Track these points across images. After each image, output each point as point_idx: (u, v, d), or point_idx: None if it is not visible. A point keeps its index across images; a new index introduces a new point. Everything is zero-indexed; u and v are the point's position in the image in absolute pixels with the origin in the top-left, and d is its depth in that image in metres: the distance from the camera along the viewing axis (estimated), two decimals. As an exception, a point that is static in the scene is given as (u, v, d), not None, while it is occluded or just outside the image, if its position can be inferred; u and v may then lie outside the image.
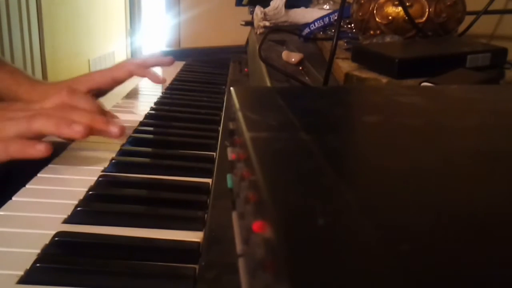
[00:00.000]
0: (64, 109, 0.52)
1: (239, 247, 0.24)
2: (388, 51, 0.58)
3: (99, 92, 0.76)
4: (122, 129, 0.53)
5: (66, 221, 0.42)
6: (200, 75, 1.13)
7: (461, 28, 0.73)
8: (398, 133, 0.28)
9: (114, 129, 0.52)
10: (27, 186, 0.48)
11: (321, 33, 0.98)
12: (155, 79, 0.80)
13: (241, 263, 0.22)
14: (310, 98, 0.36)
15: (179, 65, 1.23)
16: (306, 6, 1.19)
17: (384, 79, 0.54)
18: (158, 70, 1.15)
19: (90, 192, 0.46)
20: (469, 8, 0.71)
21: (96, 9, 3.54)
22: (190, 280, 0.34)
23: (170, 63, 0.87)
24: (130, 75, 0.77)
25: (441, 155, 0.24)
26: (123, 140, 0.59)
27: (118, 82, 0.77)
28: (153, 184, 0.50)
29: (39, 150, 0.47)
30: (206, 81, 1.07)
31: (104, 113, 0.57)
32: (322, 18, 0.97)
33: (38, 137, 0.49)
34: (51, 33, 2.77)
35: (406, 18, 0.66)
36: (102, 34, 3.67)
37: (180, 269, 0.36)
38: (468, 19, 0.72)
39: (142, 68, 0.78)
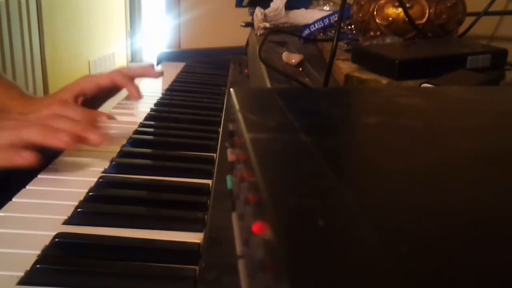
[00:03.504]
0: (51, 119, 0.53)
1: (239, 248, 0.24)
2: (388, 52, 0.58)
3: (91, 98, 0.75)
4: (103, 137, 0.53)
5: (66, 222, 0.42)
6: (200, 76, 1.13)
7: (461, 29, 0.73)
8: (398, 135, 0.28)
9: (93, 137, 0.52)
10: (28, 187, 0.48)
11: (321, 34, 0.98)
12: (132, 94, 0.78)
13: (241, 264, 0.22)
14: (310, 100, 0.36)
15: (179, 66, 1.24)
16: (306, 7, 1.19)
17: (384, 80, 0.54)
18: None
19: (90, 193, 0.46)
20: (469, 9, 0.71)
21: (96, 10, 3.55)
22: (191, 281, 0.34)
23: (158, 76, 0.85)
24: (113, 84, 0.76)
25: (441, 157, 0.24)
26: (117, 147, 0.59)
27: (103, 89, 0.75)
28: (153, 185, 0.50)
29: (24, 157, 0.47)
30: (206, 82, 1.07)
31: (96, 120, 0.57)
32: (322, 19, 0.97)
33: (29, 147, 0.48)
34: (51, 34, 2.77)
35: (406, 19, 0.66)
36: (102, 35, 3.67)
37: (181, 270, 0.36)
38: (468, 20, 0.72)
39: (126, 79, 0.77)
